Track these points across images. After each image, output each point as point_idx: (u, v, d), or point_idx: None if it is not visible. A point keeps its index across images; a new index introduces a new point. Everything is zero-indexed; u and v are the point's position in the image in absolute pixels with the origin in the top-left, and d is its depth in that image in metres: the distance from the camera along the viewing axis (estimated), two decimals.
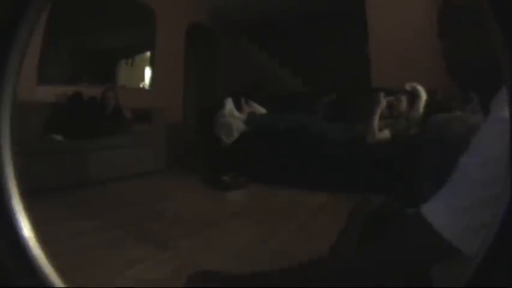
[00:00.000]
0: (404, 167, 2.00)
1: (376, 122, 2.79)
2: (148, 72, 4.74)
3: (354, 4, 4.05)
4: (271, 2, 5.18)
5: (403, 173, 1.93)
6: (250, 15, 5.56)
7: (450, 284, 0.58)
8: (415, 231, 0.55)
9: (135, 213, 2.21)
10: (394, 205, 0.92)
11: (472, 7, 0.60)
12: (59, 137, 3.00)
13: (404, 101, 2.87)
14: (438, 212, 0.52)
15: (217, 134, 3.45)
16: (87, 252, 1.52)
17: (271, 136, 3.18)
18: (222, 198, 2.76)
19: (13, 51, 0.42)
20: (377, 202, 0.93)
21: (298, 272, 0.65)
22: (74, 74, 3.92)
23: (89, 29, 3.95)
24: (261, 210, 2.34)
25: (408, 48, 3.44)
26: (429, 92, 2.83)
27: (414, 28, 3.42)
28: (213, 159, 3.56)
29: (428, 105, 2.78)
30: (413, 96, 2.85)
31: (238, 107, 3.61)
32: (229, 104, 3.56)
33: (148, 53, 4.74)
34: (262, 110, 3.74)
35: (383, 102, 2.85)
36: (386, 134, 2.76)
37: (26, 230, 0.42)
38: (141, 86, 4.79)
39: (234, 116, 3.49)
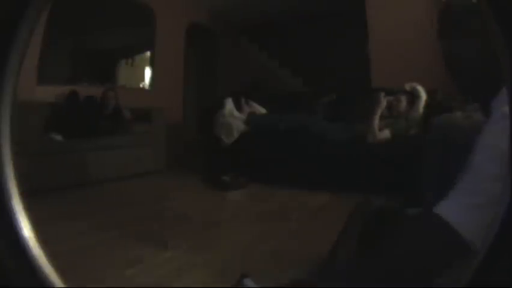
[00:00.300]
0: (404, 167, 2.00)
1: (376, 122, 2.79)
2: (148, 72, 4.74)
3: (354, 4, 4.05)
4: (271, 2, 5.18)
5: (403, 173, 1.93)
6: (250, 15, 5.56)
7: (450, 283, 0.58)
8: (431, 230, 0.55)
9: (135, 213, 2.21)
10: (394, 205, 0.93)
11: (472, 8, 0.60)
12: (59, 137, 3.01)
13: (403, 101, 2.87)
14: (454, 210, 0.52)
15: (217, 134, 3.44)
16: (87, 252, 1.52)
17: (271, 136, 3.18)
18: (222, 198, 2.76)
19: (13, 51, 0.42)
20: (377, 202, 0.94)
21: None
22: (74, 74, 3.92)
23: (89, 29, 3.95)
24: (261, 210, 2.34)
25: (408, 48, 3.44)
26: (429, 92, 2.83)
27: (414, 28, 3.42)
28: (213, 159, 3.56)
29: (428, 105, 2.78)
30: (413, 96, 2.85)
31: (238, 107, 3.61)
32: (229, 104, 3.56)
33: (148, 53, 4.74)
34: (262, 110, 3.74)
35: (383, 102, 2.85)
36: (386, 134, 2.76)
37: (26, 230, 0.42)
38: (141, 86, 4.79)
39: (234, 116, 3.49)
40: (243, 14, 5.54)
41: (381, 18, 3.73)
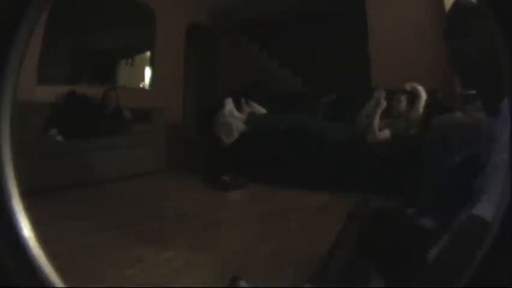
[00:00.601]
0: (404, 167, 2.00)
1: (376, 122, 2.79)
2: (148, 72, 4.74)
3: (354, 4, 4.05)
4: (271, 2, 5.18)
5: (403, 173, 1.93)
6: (250, 15, 5.56)
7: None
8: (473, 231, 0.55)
9: (135, 213, 2.21)
10: (394, 205, 0.93)
11: (477, 8, 0.60)
12: (59, 137, 3.01)
13: (403, 101, 2.87)
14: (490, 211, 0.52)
15: (217, 134, 3.44)
16: (87, 252, 1.52)
17: (271, 136, 3.17)
18: (222, 198, 2.76)
19: (13, 51, 0.42)
20: (377, 202, 0.94)
21: None
22: (74, 74, 3.92)
23: (89, 29, 3.95)
24: (261, 210, 2.34)
25: (408, 48, 3.44)
26: (429, 92, 2.83)
27: (414, 28, 3.43)
28: (213, 159, 3.56)
29: (428, 105, 2.78)
30: (413, 96, 2.85)
31: (238, 107, 3.61)
32: (229, 104, 3.56)
33: (148, 53, 4.74)
34: (262, 110, 3.74)
35: (384, 102, 2.85)
36: (386, 134, 2.76)
37: (26, 230, 0.42)
38: (141, 86, 4.79)
39: (234, 116, 3.49)
40: (243, 14, 5.54)
41: (381, 18, 3.73)
